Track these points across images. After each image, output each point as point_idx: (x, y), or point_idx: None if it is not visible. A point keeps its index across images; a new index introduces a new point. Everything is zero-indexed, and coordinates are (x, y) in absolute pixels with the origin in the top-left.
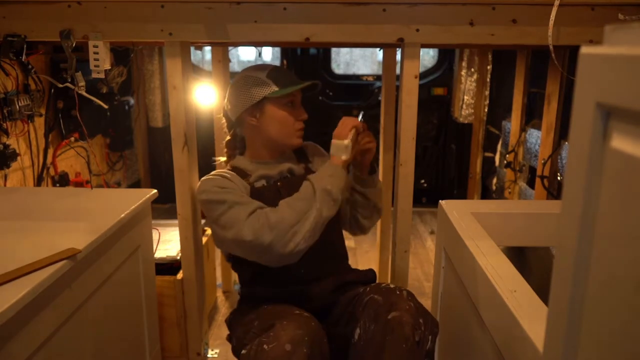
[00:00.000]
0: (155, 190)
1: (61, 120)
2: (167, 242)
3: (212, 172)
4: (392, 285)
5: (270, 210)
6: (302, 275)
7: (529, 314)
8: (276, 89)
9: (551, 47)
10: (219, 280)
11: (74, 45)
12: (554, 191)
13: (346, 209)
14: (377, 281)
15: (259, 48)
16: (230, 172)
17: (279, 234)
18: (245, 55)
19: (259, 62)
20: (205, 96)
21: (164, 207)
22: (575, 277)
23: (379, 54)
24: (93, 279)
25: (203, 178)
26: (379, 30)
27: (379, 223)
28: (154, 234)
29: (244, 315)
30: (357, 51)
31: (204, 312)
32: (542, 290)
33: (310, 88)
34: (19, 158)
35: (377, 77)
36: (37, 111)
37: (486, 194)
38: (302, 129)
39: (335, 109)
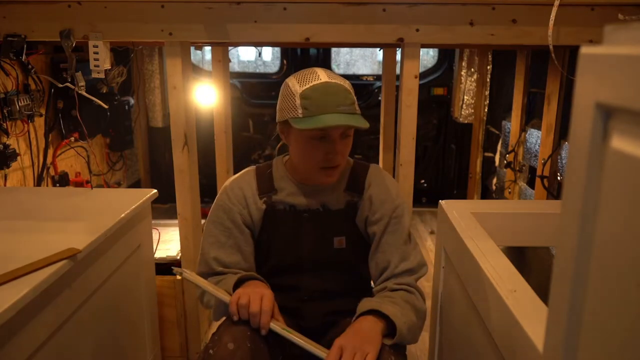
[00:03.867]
0: (155, 190)
1: (61, 120)
2: (167, 242)
3: (239, 175)
4: None
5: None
6: (301, 294)
7: (529, 314)
8: (300, 116)
9: (551, 47)
10: None
11: (74, 45)
12: (554, 191)
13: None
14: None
15: (259, 48)
16: (252, 180)
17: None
18: (245, 55)
19: (259, 62)
20: (205, 96)
21: (164, 207)
22: (575, 277)
23: (379, 54)
24: (93, 279)
25: (227, 181)
26: (379, 30)
27: None
28: (154, 234)
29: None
30: (357, 51)
31: (204, 312)
32: (542, 290)
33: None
34: (19, 158)
35: (377, 77)
36: (37, 111)
37: (486, 194)
38: (335, 167)
39: None
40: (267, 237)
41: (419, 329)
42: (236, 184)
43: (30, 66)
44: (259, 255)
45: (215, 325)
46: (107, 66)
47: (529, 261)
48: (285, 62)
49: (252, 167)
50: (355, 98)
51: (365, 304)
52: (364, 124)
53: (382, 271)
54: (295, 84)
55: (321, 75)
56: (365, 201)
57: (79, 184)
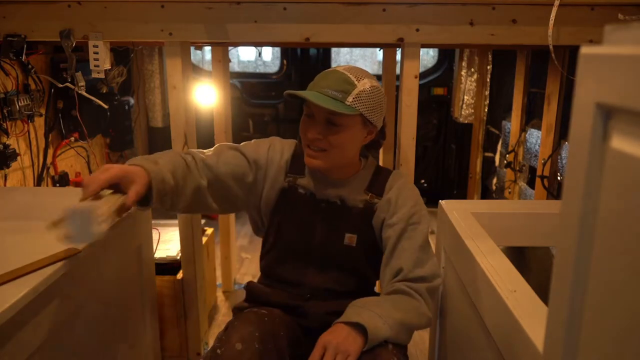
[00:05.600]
0: None
1: (61, 120)
2: (167, 242)
3: (285, 140)
4: None
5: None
6: (304, 291)
7: (529, 314)
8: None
9: (551, 47)
10: (219, 280)
11: (74, 45)
12: (554, 191)
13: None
14: None
15: (259, 48)
16: (289, 154)
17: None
18: (245, 55)
19: (259, 62)
20: (205, 96)
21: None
22: (575, 277)
23: (379, 54)
24: (93, 279)
25: (273, 138)
26: (379, 30)
27: None
28: (154, 234)
29: (233, 314)
30: (357, 51)
31: (204, 312)
32: (542, 290)
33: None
34: (19, 158)
35: (377, 77)
36: (37, 111)
37: (486, 194)
38: (318, 150)
39: None
40: (281, 218)
41: (408, 329)
42: (280, 146)
43: (30, 66)
44: (269, 238)
45: (219, 325)
46: (107, 66)
47: (529, 261)
48: (285, 62)
49: (294, 141)
50: (353, 90)
51: (349, 311)
52: (333, 106)
53: (394, 276)
54: None
55: (339, 66)
56: (384, 203)
57: (79, 184)
